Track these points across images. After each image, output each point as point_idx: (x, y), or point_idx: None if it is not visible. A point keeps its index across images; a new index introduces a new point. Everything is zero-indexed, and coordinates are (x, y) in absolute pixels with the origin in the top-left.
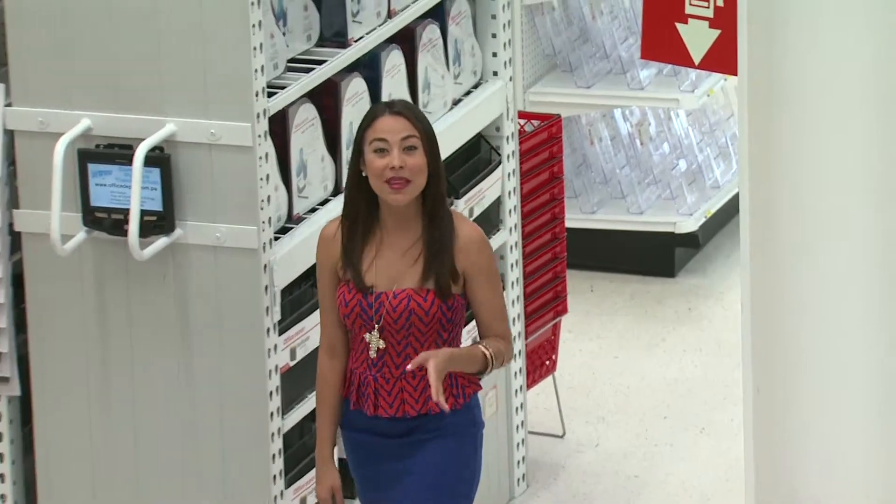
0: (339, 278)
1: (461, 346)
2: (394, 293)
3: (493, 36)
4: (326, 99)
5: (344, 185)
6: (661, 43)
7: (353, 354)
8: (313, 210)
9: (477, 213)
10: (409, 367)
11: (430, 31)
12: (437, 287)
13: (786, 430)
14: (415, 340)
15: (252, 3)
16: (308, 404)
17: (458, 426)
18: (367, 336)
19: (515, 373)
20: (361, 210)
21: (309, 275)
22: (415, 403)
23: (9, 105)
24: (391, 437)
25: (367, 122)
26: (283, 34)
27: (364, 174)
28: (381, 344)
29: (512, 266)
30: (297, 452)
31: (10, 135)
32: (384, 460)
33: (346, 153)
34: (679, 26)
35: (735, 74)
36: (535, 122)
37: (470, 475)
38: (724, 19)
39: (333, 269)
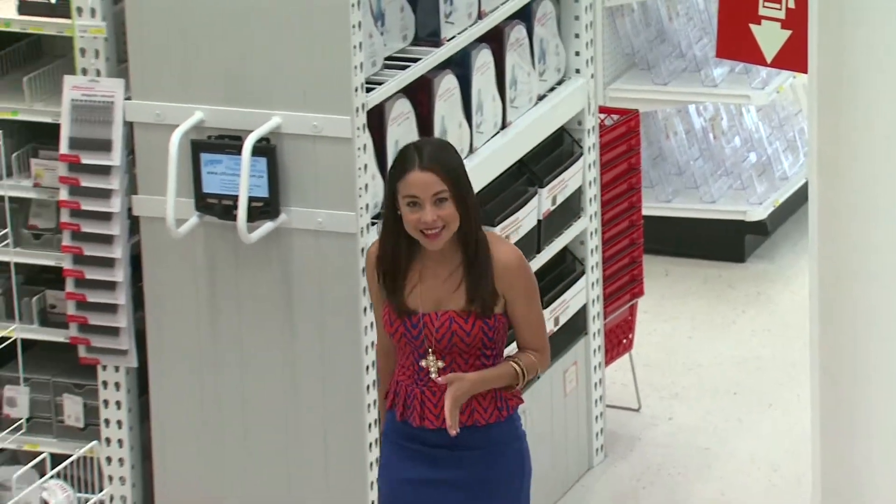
0: (383, 297)
1: (502, 360)
2: (437, 314)
3: (576, 36)
4: (420, 94)
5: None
6: (735, 43)
7: (399, 368)
8: None
9: (559, 201)
10: (439, 380)
11: (518, 31)
12: (480, 310)
13: (850, 410)
14: (458, 357)
15: (352, 5)
16: None
17: (502, 438)
18: (423, 362)
19: (594, 350)
20: (401, 245)
21: None
22: (459, 415)
23: (128, 99)
24: (437, 447)
25: (399, 174)
26: (381, 34)
27: (399, 213)
28: (441, 364)
29: (592, 251)
30: None
31: (129, 126)
32: (421, 466)
33: None
34: (752, 27)
35: (805, 73)
36: (615, 117)
37: (517, 490)
38: (796, 20)
39: (378, 284)
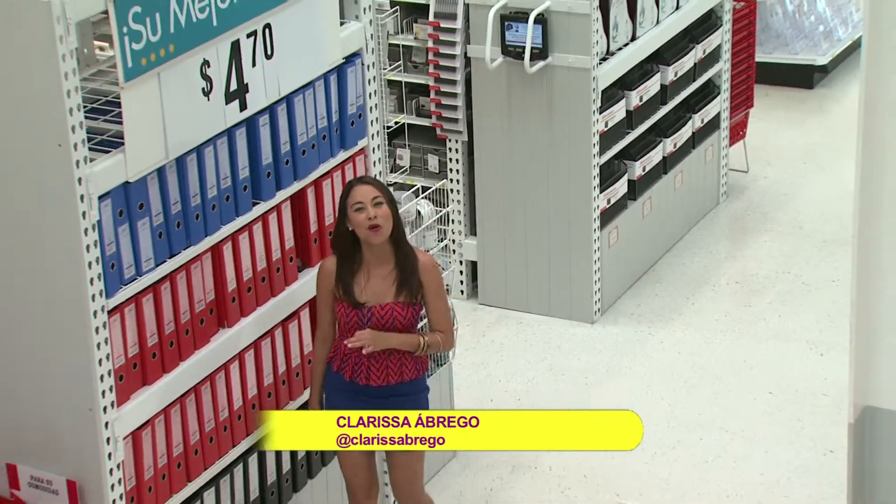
0: (336, 297)
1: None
2: (380, 306)
3: None
4: None
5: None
6: None
7: (341, 334)
8: (620, 49)
9: (708, 51)
10: (349, 344)
11: None
12: (408, 298)
13: None
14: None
15: None
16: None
17: (418, 389)
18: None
19: (723, 137)
20: (347, 252)
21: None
22: (395, 374)
23: None
24: (376, 397)
25: (347, 193)
26: None
27: (350, 228)
28: None
29: (724, 81)
30: None
31: (466, 5)
32: (357, 407)
33: (639, 17)
34: None
35: None
36: (741, 4)
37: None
38: None
39: (329, 290)
